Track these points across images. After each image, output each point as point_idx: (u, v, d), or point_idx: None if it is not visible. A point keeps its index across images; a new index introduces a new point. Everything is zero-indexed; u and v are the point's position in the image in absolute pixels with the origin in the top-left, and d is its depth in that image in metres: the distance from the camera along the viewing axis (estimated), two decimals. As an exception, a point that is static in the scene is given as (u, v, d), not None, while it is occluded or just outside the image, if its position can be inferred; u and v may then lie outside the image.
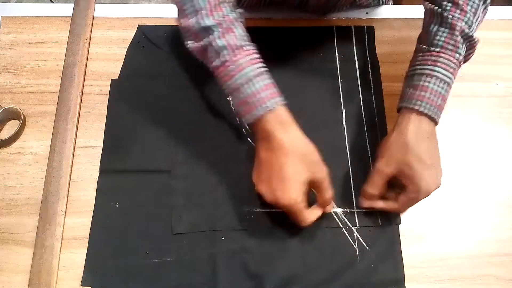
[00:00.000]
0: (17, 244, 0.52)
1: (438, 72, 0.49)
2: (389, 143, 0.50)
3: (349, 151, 0.58)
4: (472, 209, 0.56)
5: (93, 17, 0.66)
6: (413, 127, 0.49)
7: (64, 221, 0.53)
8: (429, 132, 0.49)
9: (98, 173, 0.55)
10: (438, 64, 0.49)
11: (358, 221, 0.54)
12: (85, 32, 0.64)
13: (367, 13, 0.68)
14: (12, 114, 0.58)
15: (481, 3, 0.50)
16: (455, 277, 0.52)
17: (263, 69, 0.48)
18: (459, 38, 0.49)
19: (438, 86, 0.49)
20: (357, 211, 0.54)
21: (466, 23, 0.49)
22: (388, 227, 0.54)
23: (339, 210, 0.54)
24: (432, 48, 0.50)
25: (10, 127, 0.58)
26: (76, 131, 0.58)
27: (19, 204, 0.54)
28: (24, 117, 0.58)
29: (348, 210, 0.54)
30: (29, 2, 0.69)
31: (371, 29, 0.66)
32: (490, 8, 0.68)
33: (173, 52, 0.63)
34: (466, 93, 0.63)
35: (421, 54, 0.52)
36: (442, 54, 0.49)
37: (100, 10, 0.67)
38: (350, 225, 0.53)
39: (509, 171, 0.58)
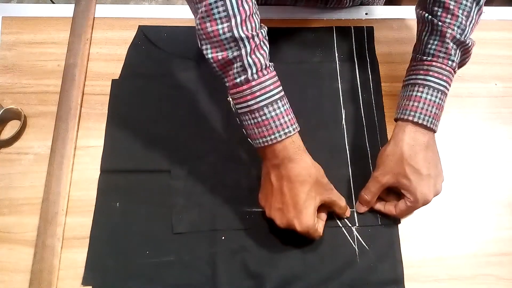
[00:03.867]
0: (18, 243, 0.52)
1: (430, 81, 0.49)
2: (386, 154, 0.51)
3: (349, 151, 0.58)
4: (471, 209, 0.56)
5: (94, 17, 0.66)
6: (408, 139, 0.49)
7: (65, 221, 0.53)
8: (426, 142, 0.49)
9: (99, 173, 0.55)
10: (430, 73, 0.50)
11: (357, 220, 0.54)
12: (86, 32, 0.64)
13: (366, 13, 0.68)
14: (13, 114, 0.58)
15: (474, 5, 0.49)
16: (454, 277, 0.52)
17: (283, 92, 0.46)
18: (450, 45, 0.49)
19: (431, 95, 0.49)
20: (356, 211, 0.54)
21: (458, 27, 0.49)
22: (387, 227, 0.54)
23: (338, 210, 0.54)
24: (424, 57, 0.50)
25: (11, 127, 0.58)
26: (77, 131, 0.58)
27: (20, 203, 0.54)
28: (25, 117, 0.58)
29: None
30: (30, 2, 0.69)
31: (370, 30, 0.66)
32: (490, 8, 0.68)
33: (173, 52, 0.63)
34: (465, 93, 0.63)
35: (414, 63, 0.52)
36: (434, 63, 0.50)
37: (101, 10, 0.67)
38: (350, 225, 0.54)
39: (508, 171, 0.58)
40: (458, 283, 0.52)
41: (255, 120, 0.45)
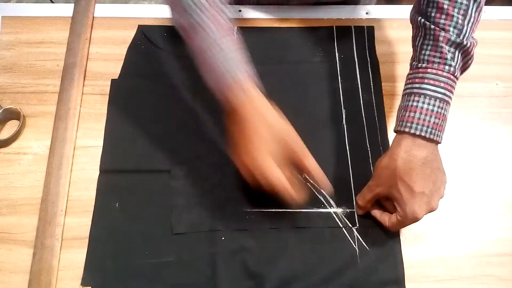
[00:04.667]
0: (17, 244, 0.52)
1: (426, 89, 0.46)
2: (381, 166, 0.49)
3: (349, 151, 0.58)
4: (471, 209, 0.56)
5: (93, 17, 0.66)
6: (403, 153, 0.47)
7: (64, 221, 0.53)
8: (423, 157, 0.46)
9: (98, 173, 0.55)
10: (426, 81, 0.47)
11: (358, 221, 0.54)
12: (85, 32, 0.64)
13: (367, 13, 0.68)
14: (12, 114, 0.58)
15: (471, 2, 0.46)
16: (455, 277, 0.52)
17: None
18: (445, 49, 0.46)
19: (428, 104, 0.46)
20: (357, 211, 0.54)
21: (454, 28, 0.46)
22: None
23: (339, 210, 0.54)
24: (419, 65, 0.48)
25: (10, 127, 0.58)
26: (76, 131, 0.58)
27: (19, 204, 0.54)
28: (24, 117, 0.58)
29: (348, 210, 0.54)
30: (29, 2, 0.69)
31: (371, 29, 0.66)
32: (490, 8, 0.68)
33: (173, 52, 0.63)
34: (466, 93, 0.63)
35: (411, 71, 0.49)
36: (429, 70, 0.47)
37: (100, 10, 0.67)
38: (350, 225, 0.54)
39: (508, 171, 0.58)
40: (458, 283, 0.52)
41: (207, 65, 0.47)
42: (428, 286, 0.51)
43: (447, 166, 0.55)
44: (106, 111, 0.59)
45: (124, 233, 0.52)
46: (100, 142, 0.57)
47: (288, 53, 0.64)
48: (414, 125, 0.46)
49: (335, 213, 0.54)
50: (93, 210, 0.53)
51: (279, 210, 0.54)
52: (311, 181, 0.55)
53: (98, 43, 0.64)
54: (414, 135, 0.47)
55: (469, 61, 0.49)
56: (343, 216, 0.54)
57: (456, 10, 0.46)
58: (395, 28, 0.67)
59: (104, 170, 0.55)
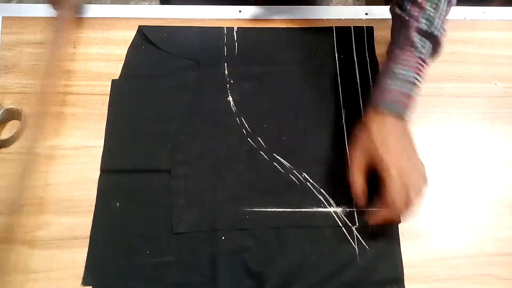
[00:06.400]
0: (18, 243, 0.52)
1: (398, 72, 0.51)
2: (359, 138, 0.53)
3: (349, 151, 0.58)
4: (471, 209, 0.56)
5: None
6: (375, 125, 0.51)
7: (65, 221, 0.53)
8: (393, 129, 0.50)
9: (99, 173, 0.55)
10: (398, 65, 0.52)
11: (357, 220, 0.54)
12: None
13: (366, 13, 0.68)
14: (13, 114, 0.58)
15: None
16: (455, 277, 0.52)
17: None
18: (417, 38, 0.51)
19: (400, 86, 0.51)
20: (356, 211, 0.54)
21: (427, 19, 0.51)
22: (387, 227, 0.54)
23: (339, 210, 0.54)
24: (393, 49, 0.53)
25: (11, 127, 0.58)
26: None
27: (20, 204, 0.53)
28: (25, 117, 0.58)
29: (348, 209, 0.54)
30: (30, 2, 0.69)
31: (370, 30, 0.67)
32: (490, 8, 0.68)
33: (173, 52, 0.63)
34: (465, 93, 0.63)
35: (385, 55, 0.54)
36: (401, 55, 0.52)
37: (101, 10, 0.67)
38: (350, 225, 0.54)
39: (508, 171, 0.58)
40: (458, 283, 0.52)
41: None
42: (428, 286, 0.51)
43: (447, 166, 0.55)
44: (106, 111, 0.59)
45: (125, 232, 0.53)
46: (100, 142, 0.57)
47: (287, 53, 0.64)
48: (385, 104, 0.51)
49: (334, 212, 0.54)
50: (94, 210, 0.53)
51: (279, 210, 0.54)
52: (311, 181, 0.55)
53: (98, 43, 0.64)
54: (383, 112, 0.51)
55: (439, 50, 0.53)
56: (343, 216, 0.54)
57: (429, 3, 0.51)
58: (395, 28, 0.67)
59: (105, 170, 0.56)
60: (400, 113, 0.50)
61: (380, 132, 0.50)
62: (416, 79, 0.51)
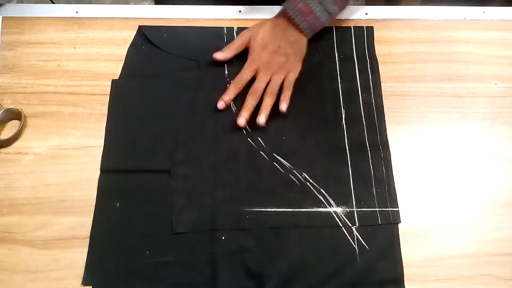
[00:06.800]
0: (18, 243, 0.52)
1: None
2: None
3: (349, 151, 0.58)
4: (471, 209, 0.56)
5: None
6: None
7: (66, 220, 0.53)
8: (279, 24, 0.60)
9: (99, 173, 0.55)
10: None
11: (357, 220, 0.54)
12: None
13: (366, 13, 0.68)
14: (13, 114, 0.58)
15: None
16: (454, 277, 0.52)
17: None
18: None
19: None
20: (356, 211, 0.54)
21: None
22: (387, 226, 0.54)
23: (338, 210, 0.54)
24: None
25: (11, 127, 0.58)
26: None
27: (20, 203, 0.54)
28: (25, 117, 0.58)
29: (348, 209, 0.54)
30: (30, 2, 0.69)
31: (370, 29, 0.67)
32: (490, 8, 0.68)
33: (173, 52, 0.63)
34: (465, 93, 0.63)
35: None
36: None
37: (101, 10, 0.67)
38: (350, 224, 0.54)
39: (508, 171, 0.58)
40: (458, 283, 0.52)
41: None
42: (428, 286, 0.51)
43: (447, 166, 0.55)
44: (106, 111, 0.59)
45: (125, 232, 0.53)
46: (100, 142, 0.57)
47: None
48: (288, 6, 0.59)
49: (334, 212, 0.54)
50: (94, 210, 0.53)
51: (279, 210, 0.54)
52: (311, 181, 0.55)
53: (98, 43, 0.64)
54: (288, 15, 0.59)
55: None
56: (343, 216, 0.54)
57: None
58: (394, 28, 0.67)
59: (105, 170, 0.56)
60: (293, 16, 0.58)
61: (269, 23, 0.61)
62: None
